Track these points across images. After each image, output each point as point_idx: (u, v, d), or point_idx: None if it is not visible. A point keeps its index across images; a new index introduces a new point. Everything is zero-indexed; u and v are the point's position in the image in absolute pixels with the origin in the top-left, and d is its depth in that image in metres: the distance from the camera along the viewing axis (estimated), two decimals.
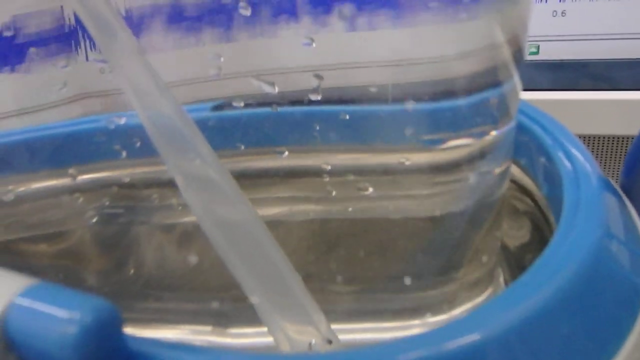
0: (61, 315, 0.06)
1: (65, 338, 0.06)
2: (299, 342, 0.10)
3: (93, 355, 0.06)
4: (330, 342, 0.10)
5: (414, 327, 0.12)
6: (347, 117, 0.11)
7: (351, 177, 0.12)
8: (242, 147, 0.12)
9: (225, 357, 0.07)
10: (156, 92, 0.10)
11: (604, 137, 0.31)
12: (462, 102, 0.11)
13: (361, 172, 0.12)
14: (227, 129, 0.12)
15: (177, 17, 0.11)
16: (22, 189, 0.12)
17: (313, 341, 0.10)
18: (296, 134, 0.12)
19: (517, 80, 0.11)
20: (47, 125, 0.12)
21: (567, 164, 0.11)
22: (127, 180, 0.12)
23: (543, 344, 0.08)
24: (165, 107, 0.10)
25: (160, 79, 0.10)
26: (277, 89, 0.11)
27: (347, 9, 0.10)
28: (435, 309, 0.12)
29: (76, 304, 0.06)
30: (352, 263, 0.12)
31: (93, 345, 0.06)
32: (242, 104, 0.11)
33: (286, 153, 0.12)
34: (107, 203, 0.13)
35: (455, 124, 0.11)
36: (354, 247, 0.12)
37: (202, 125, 0.10)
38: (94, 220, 0.13)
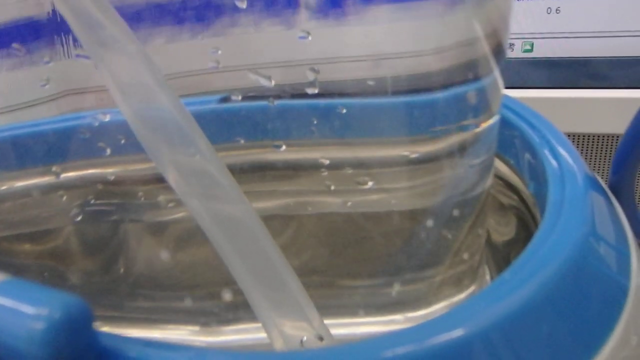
0: (28, 311, 0.06)
1: (33, 334, 0.06)
2: (292, 339, 0.10)
3: (62, 352, 0.06)
4: (321, 338, 0.10)
5: (393, 322, 0.12)
6: (344, 110, 0.11)
7: (349, 171, 0.12)
8: (241, 141, 0.12)
9: (195, 354, 0.07)
10: (155, 85, 0.09)
11: (599, 136, 0.31)
12: (442, 96, 0.11)
13: (358, 165, 0.12)
14: (223, 123, 0.12)
15: (173, 10, 0.11)
16: (4, 187, 0.12)
17: (304, 338, 0.10)
18: (293, 127, 0.12)
19: (497, 74, 0.11)
20: (29, 122, 0.12)
21: (553, 161, 0.11)
22: (111, 177, 0.12)
23: (526, 340, 0.08)
24: (165, 101, 0.09)
25: (160, 71, 0.10)
26: (273, 82, 0.11)
27: (340, 3, 0.10)
28: (415, 305, 0.12)
29: (44, 300, 0.06)
30: (336, 257, 0.12)
31: (62, 341, 0.06)
32: (239, 97, 0.11)
33: (284, 147, 0.12)
34: (92, 201, 0.13)
35: (436, 117, 0.11)
36: (341, 241, 0.12)
37: (199, 118, 0.10)
38: (79, 218, 0.13)
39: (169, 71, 0.11)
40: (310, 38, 0.11)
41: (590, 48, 0.31)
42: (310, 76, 0.11)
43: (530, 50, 0.32)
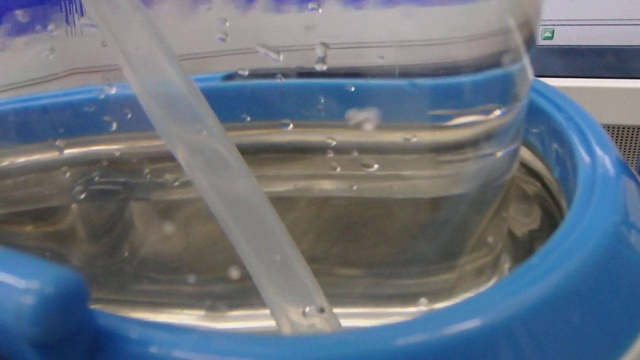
0: (18, 284, 0.06)
1: (22, 310, 0.06)
2: (300, 325, 0.10)
3: (53, 330, 0.06)
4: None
5: (409, 314, 0.12)
6: (353, 89, 0.11)
7: (356, 154, 0.11)
8: (248, 119, 0.12)
9: (199, 337, 0.07)
10: (164, 59, 0.09)
11: (618, 127, 0.30)
12: (470, 81, 0.10)
13: (366, 148, 0.11)
14: (232, 100, 0.11)
15: None
16: (5, 163, 0.12)
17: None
18: (301, 106, 0.11)
19: (527, 62, 0.11)
20: (33, 95, 0.12)
21: (582, 145, 0.11)
22: (117, 154, 0.12)
23: (549, 333, 0.08)
24: (174, 76, 0.09)
25: (169, 45, 0.09)
26: (281, 57, 0.11)
27: None
28: (434, 296, 0.12)
29: (36, 272, 0.06)
30: (350, 244, 0.12)
31: (53, 318, 0.06)
32: (246, 73, 0.11)
33: (291, 126, 0.11)
34: (97, 178, 0.12)
35: (462, 103, 0.11)
36: (354, 227, 0.12)
37: (207, 95, 0.10)
38: (82, 196, 0.12)
39: (176, 48, 0.10)
40: (320, 11, 0.10)
41: (612, 36, 0.30)
42: (321, 52, 0.10)
43: (551, 38, 0.31)
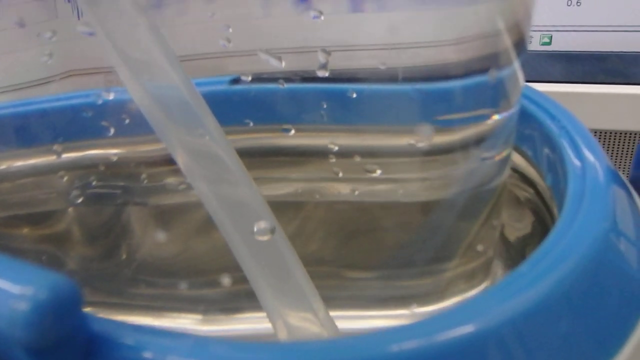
0: (12, 290, 0.06)
1: (16, 315, 0.06)
2: (297, 329, 0.10)
3: (47, 335, 0.06)
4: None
5: (400, 317, 0.12)
6: (354, 94, 0.11)
7: (358, 159, 0.11)
8: (251, 124, 0.12)
9: (194, 342, 0.07)
10: (166, 62, 0.09)
11: (617, 133, 0.30)
12: (458, 86, 0.11)
13: (368, 153, 0.11)
14: (234, 105, 0.11)
15: None
16: (3, 166, 0.12)
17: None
18: (303, 111, 0.11)
19: (517, 67, 0.11)
20: (31, 99, 0.12)
21: (573, 153, 0.11)
22: (114, 159, 0.12)
23: (540, 339, 0.08)
24: (175, 80, 0.09)
25: (171, 48, 0.09)
26: (283, 63, 0.11)
27: None
28: (425, 300, 0.12)
29: (30, 278, 0.06)
30: (348, 248, 0.12)
31: (47, 324, 0.06)
32: (249, 79, 0.11)
33: (293, 131, 0.12)
34: (94, 183, 0.12)
35: (452, 108, 0.11)
36: (354, 231, 0.12)
37: (210, 99, 0.10)
38: (79, 200, 0.12)
39: (179, 52, 0.11)
40: (322, 18, 0.10)
41: (611, 42, 0.30)
42: (322, 58, 0.11)
43: (549, 43, 0.31)
